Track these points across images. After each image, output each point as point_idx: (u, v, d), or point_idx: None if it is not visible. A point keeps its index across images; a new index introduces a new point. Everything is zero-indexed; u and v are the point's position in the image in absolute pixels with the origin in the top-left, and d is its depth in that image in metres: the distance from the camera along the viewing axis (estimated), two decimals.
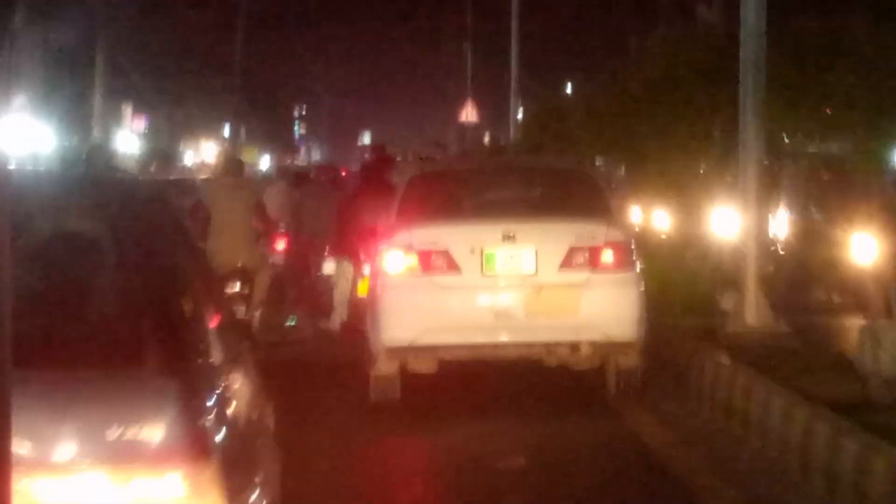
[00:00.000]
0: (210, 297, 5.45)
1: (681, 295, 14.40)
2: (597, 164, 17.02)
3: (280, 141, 63.04)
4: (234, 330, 5.94)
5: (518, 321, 11.32)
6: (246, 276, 13.65)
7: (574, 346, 11.48)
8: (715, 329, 12.96)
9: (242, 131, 55.46)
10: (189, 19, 43.06)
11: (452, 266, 11.37)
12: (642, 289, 11.59)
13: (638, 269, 11.64)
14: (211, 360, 5.00)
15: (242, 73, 52.55)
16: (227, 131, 52.01)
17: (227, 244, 13.34)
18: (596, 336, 11.38)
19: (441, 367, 11.74)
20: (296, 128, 76.31)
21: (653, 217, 19.19)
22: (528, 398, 12.04)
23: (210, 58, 48.79)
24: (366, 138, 60.29)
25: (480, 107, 39.31)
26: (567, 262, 11.39)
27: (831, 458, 8.28)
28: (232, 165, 14.89)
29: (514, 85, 29.12)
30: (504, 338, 11.43)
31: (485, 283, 11.40)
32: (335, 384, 12.50)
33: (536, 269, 11.38)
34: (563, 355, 11.70)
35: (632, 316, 11.45)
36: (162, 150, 27.49)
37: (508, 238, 11.37)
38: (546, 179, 12.75)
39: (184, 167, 32.90)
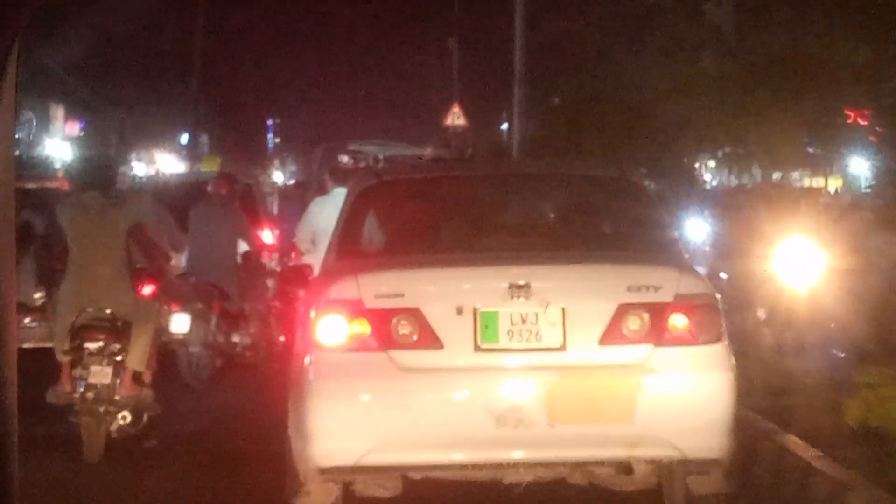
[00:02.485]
0: None
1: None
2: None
3: (250, 151, 58.43)
4: None
5: (535, 428, 6.87)
6: (116, 330, 9.57)
7: (624, 467, 7.06)
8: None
9: (205, 140, 51.04)
10: (145, 19, 38.90)
11: (427, 336, 6.95)
12: (734, 373, 7.12)
13: (727, 342, 7.18)
14: None
15: (208, 79, 48.45)
16: (185, 140, 47.60)
17: (88, 285, 9.60)
18: (660, 451, 6.96)
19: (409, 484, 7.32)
20: (269, 137, 71.74)
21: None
22: None
23: (171, 61, 44.78)
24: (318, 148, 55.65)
25: (467, 111, 34.87)
26: (614, 331, 6.97)
27: None
28: (99, 176, 10.13)
29: (518, 68, 24.11)
30: (512, 454, 6.96)
31: (481, 365, 6.96)
32: None
33: (564, 342, 6.95)
34: (604, 477, 7.29)
35: (718, 418, 7.00)
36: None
37: (519, 289, 6.94)
38: (577, 196, 8.26)
39: (129, 176, 28.22)
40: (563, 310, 6.97)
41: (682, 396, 6.98)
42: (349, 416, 6.93)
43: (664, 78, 13.46)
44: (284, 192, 25.04)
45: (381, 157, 28.41)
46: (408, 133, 56.72)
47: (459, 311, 6.95)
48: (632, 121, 12.01)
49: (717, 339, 7.06)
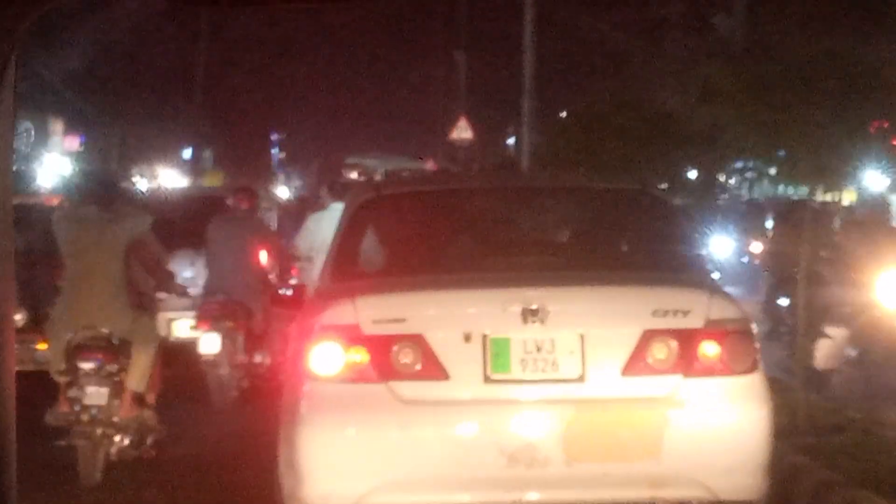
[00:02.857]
0: None
1: None
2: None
3: (254, 166, 57.84)
4: None
5: (551, 467, 6.21)
6: (112, 350, 9.10)
7: None
8: None
9: (208, 155, 50.39)
10: (146, 32, 38.30)
11: (432, 365, 6.29)
12: (770, 406, 6.45)
13: (762, 372, 6.50)
14: None
15: (211, 93, 47.82)
16: (188, 155, 46.95)
17: (84, 303, 9.11)
18: (688, 492, 6.32)
19: None
20: (274, 152, 71.10)
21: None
22: None
23: (173, 75, 44.17)
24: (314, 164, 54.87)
25: (473, 124, 34.15)
26: (638, 360, 6.32)
27: None
28: (99, 190, 9.62)
29: (527, 77, 23.21)
30: (526, 495, 6.29)
31: (491, 398, 6.31)
32: None
33: (584, 373, 6.29)
34: None
35: (753, 455, 6.34)
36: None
37: (533, 314, 6.28)
38: (596, 211, 7.58)
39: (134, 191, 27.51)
40: (582, 336, 6.31)
41: (713, 432, 6.32)
42: (345, 454, 6.28)
43: (693, 82, 12.76)
44: (285, 208, 24.39)
45: (380, 170, 27.66)
46: (413, 147, 56.18)
47: (467, 337, 6.29)
48: (654, 130, 11.33)
49: (752, 369, 6.40)
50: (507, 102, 34.88)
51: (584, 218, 7.55)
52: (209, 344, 11.85)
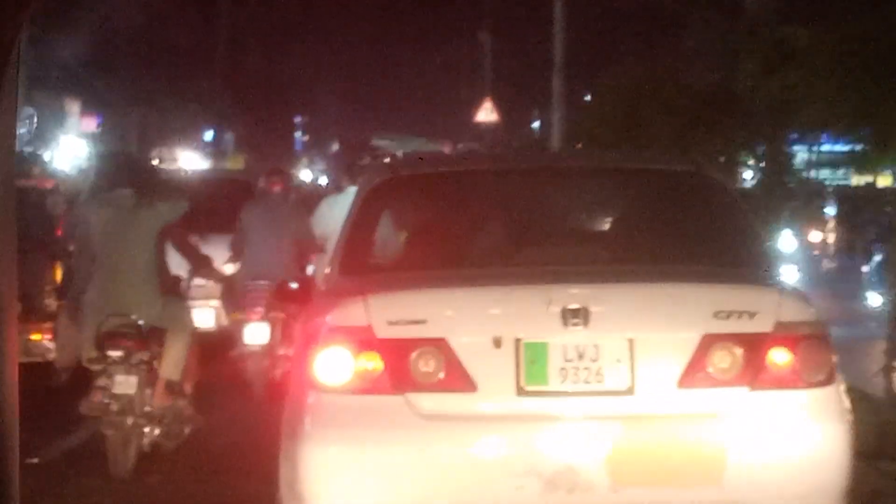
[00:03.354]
0: None
1: None
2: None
3: (276, 150, 56.95)
4: None
5: (595, 494, 5.33)
6: (142, 337, 8.86)
7: None
8: None
9: (230, 138, 49.61)
10: (166, 12, 37.54)
11: (456, 375, 5.42)
12: (849, 424, 5.54)
13: (841, 384, 5.59)
14: None
15: (233, 75, 47.09)
16: (209, 137, 46.17)
17: (114, 290, 8.94)
18: None
19: None
20: (297, 135, 70.22)
21: None
22: None
23: (194, 56, 43.42)
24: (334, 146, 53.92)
25: (499, 106, 33.23)
26: (697, 370, 5.43)
27: None
28: (129, 173, 9.41)
29: (558, 51, 22.02)
30: None
31: (525, 413, 5.42)
32: None
33: (633, 384, 5.41)
34: None
35: (830, 480, 5.44)
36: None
37: (574, 315, 5.38)
38: (644, 196, 6.64)
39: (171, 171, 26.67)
40: (632, 342, 5.41)
41: (783, 454, 5.41)
42: (355, 477, 5.41)
43: (758, 50, 11.68)
44: (306, 193, 23.48)
45: (398, 153, 26.81)
46: (438, 129, 55.27)
47: (497, 342, 5.40)
48: (709, 105, 10.34)
49: (829, 381, 5.50)
50: (532, 85, 33.88)
51: (631, 204, 6.60)
52: (257, 334, 11.35)
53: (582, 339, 5.41)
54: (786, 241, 17.03)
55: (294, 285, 6.93)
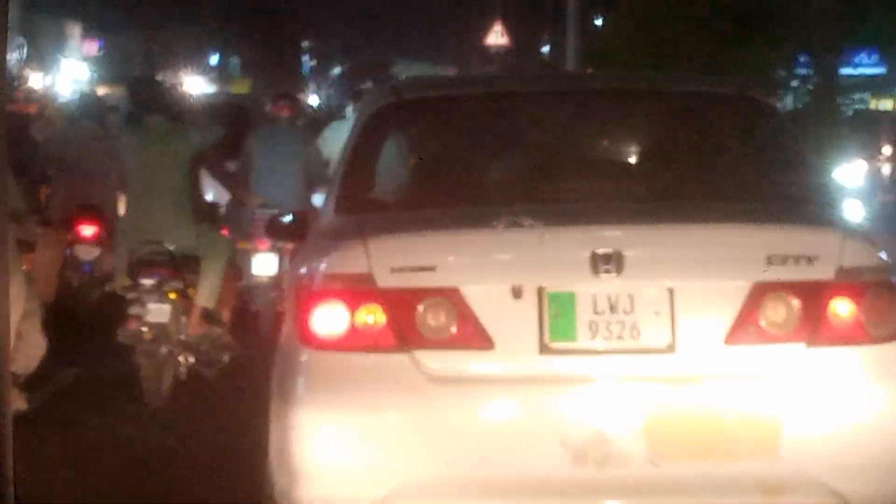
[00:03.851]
0: None
1: None
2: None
3: (283, 74, 56.00)
4: None
5: (631, 468, 4.63)
6: (175, 266, 8.86)
7: None
8: None
9: (237, 63, 48.78)
10: None
11: (470, 330, 4.70)
12: None
13: None
14: None
15: None
16: (215, 61, 45.32)
17: (147, 217, 8.97)
18: (814, 499, 4.68)
19: None
20: (304, 60, 69.21)
21: None
22: None
23: None
24: (336, 70, 52.91)
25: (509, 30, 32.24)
26: (747, 324, 4.71)
27: None
28: (162, 98, 9.47)
29: None
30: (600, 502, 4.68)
31: (550, 374, 4.69)
32: None
33: (674, 340, 4.68)
34: None
35: None
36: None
37: (606, 260, 4.65)
38: (681, 123, 5.85)
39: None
40: (672, 291, 4.70)
41: (846, 420, 4.70)
42: (356, 448, 4.71)
43: None
44: (313, 118, 22.67)
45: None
46: (445, 55, 54.35)
47: (517, 292, 4.68)
48: (751, 19, 9.40)
49: None
50: (543, 5, 32.84)
51: (669, 132, 5.81)
52: (265, 265, 11.01)
53: (615, 289, 4.68)
54: (847, 172, 15.98)
55: (287, 219, 6.14)
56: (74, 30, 32.06)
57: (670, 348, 4.68)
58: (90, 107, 13.06)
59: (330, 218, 5.31)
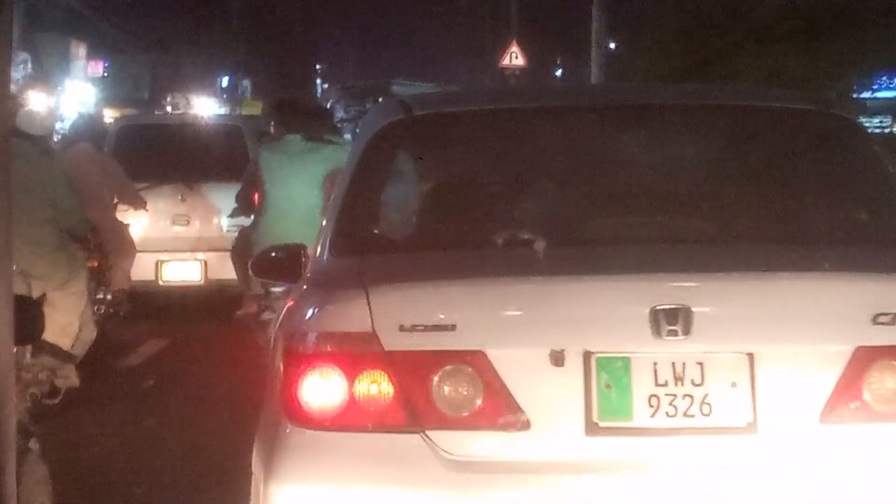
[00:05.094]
0: None
1: None
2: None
3: (297, 96, 55.74)
4: None
5: None
6: None
7: None
8: None
9: (247, 85, 48.23)
10: None
11: (499, 404, 3.75)
12: None
13: None
14: None
15: (250, 19, 45.86)
16: (225, 83, 44.83)
17: (283, 231, 8.97)
18: None
19: None
20: (318, 83, 68.97)
21: None
22: None
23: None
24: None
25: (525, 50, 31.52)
26: (847, 398, 3.80)
27: None
28: (304, 118, 9.63)
29: None
30: None
31: (598, 460, 3.75)
32: None
33: (755, 418, 3.71)
34: None
35: None
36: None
37: (670, 318, 3.70)
38: (753, 147, 4.81)
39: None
40: (752, 357, 3.75)
41: None
42: None
43: None
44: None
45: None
46: (459, 76, 53.87)
47: (558, 357, 3.74)
48: (827, 24, 8.29)
49: None
50: (556, 28, 32.00)
51: (741, 157, 4.81)
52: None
53: (681, 354, 3.75)
54: None
55: (275, 254, 5.06)
56: (80, 49, 31.58)
57: (751, 428, 3.75)
58: (94, 127, 12.42)
59: (324, 260, 4.33)
